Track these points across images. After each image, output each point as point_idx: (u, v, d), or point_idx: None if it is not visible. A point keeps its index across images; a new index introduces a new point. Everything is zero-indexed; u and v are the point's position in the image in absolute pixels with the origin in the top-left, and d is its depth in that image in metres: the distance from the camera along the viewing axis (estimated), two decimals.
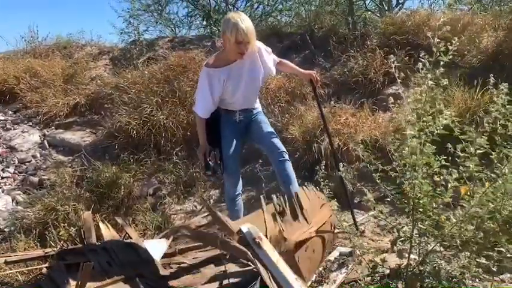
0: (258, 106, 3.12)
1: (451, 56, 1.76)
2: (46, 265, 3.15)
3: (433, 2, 6.95)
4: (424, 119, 1.84)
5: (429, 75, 1.80)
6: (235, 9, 7.69)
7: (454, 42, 1.76)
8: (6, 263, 2.57)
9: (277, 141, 2.94)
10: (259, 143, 3.07)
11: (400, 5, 6.69)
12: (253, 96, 3.03)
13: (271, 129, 3.05)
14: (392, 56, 1.96)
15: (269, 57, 2.95)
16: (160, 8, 7.80)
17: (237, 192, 3.07)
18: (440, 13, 5.92)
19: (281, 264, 2.00)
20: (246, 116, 3.02)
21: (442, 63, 1.76)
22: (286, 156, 2.90)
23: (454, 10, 5.78)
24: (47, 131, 5.62)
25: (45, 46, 7.43)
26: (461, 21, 5.23)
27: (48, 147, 5.37)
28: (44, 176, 4.84)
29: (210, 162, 2.92)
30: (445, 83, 1.82)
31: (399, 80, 1.95)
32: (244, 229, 2.10)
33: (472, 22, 5.26)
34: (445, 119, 1.83)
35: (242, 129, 3.02)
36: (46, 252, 3.43)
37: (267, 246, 2.06)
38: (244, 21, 2.57)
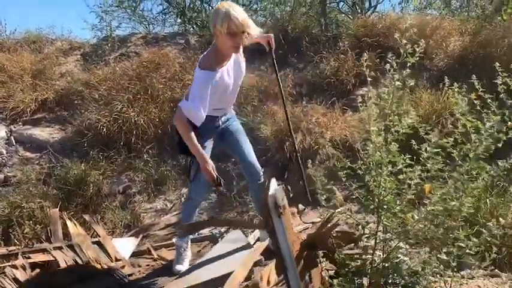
0: (233, 111, 2.91)
1: (418, 58, 1.81)
2: (10, 263, 3.08)
3: (404, 6, 7.08)
4: (390, 118, 1.88)
5: (396, 76, 1.84)
6: (210, 8, 7.62)
7: (421, 44, 1.81)
8: None
9: (255, 160, 2.75)
10: (236, 154, 2.84)
11: (373, 8, 6.81)
12: (234, 98, 2.77)
13: (247, 140, 2.83)
14: (365, 54, 1.99)
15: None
16: (134, 4, 7.68)
17: (202, 200, 3.01)
18: (410, 16, 6.06)
19: (290, 245, 1.87)
20: (224, 121, 2.76)
21: (408, 64, 1.81)
22: (262, 178, 2.75)
23: (424, 14, 5.92)
24: (14, 127, 5.47)
25: (14, 40, 7.20)
26: (430, 25, 5.38)
27: (14, 143, 5.22)
28: (9, 173, 4.71)
29: (214, 175, 2.55)
30: (411, 84, 1.87)
31: (369, 79, 1.99)
32: (271, 191, 1.85)
33: (440, 26, 5.42)
34: (410, 118, 1.88)
35: (218, 136, 2.76)
36: (10, 251, 3.36)
37: (286, 221, 1.88)
38: (237, 10, 2.27)
